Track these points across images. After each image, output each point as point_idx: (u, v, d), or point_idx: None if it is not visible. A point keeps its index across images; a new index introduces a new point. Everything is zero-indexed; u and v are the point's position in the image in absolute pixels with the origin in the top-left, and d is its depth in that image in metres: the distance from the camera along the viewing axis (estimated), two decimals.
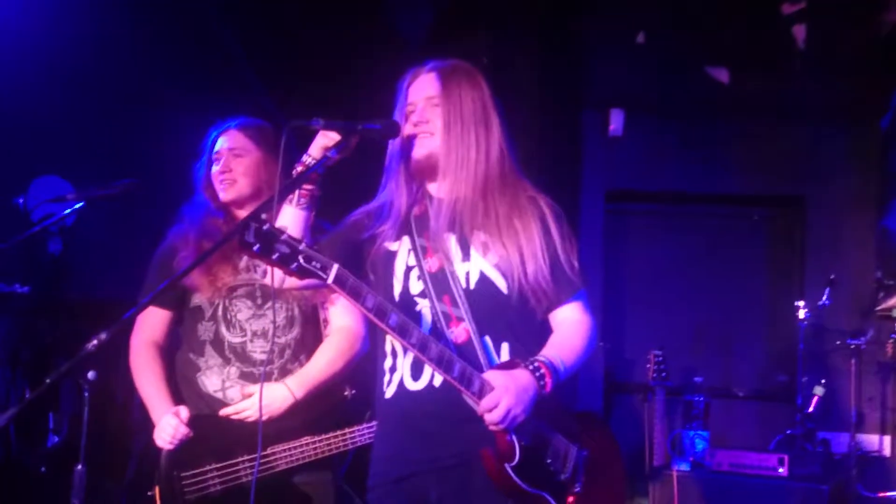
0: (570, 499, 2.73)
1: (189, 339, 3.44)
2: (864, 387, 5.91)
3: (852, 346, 5.57)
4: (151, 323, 3.47)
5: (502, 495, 2.61)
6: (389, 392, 2.75)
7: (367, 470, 2.82)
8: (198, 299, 3.42)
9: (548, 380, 2.61)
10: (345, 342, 3.41)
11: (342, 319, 3.44)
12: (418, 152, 2.74)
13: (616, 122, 6.32)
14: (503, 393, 2.51)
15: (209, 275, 3.34)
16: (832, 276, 5.72)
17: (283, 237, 2.36)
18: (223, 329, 3.38)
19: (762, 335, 6.46)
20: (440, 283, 2.70)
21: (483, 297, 2.69)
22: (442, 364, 2.53)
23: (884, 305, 5.94)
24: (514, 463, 2.58)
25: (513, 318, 2.72)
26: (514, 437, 2.59)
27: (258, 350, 3.36)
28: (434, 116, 2.73)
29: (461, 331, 2.66)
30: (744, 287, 6.49)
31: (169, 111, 5.11)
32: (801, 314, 5.61)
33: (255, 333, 3.37)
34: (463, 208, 2.71)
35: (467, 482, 2.63)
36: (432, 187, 2.80)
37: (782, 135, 6.35)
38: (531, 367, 2.61)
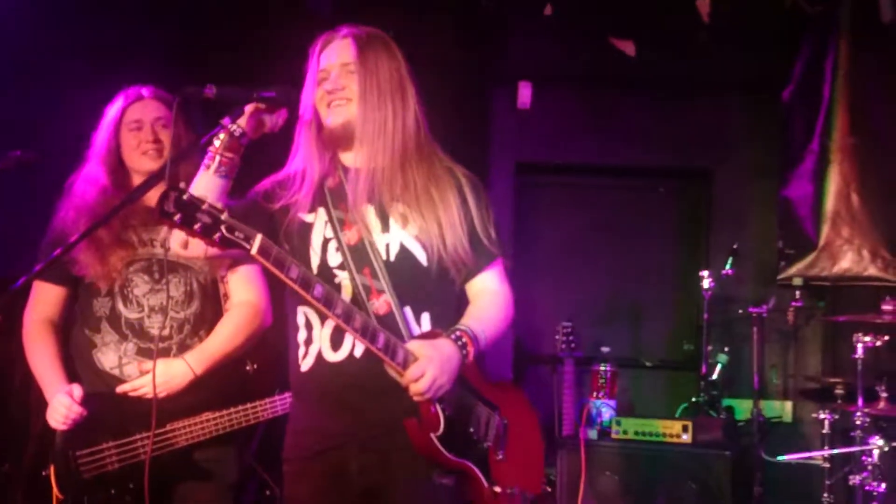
0: (494, 466, 2.74)
1: (85, 316, 3.34)
2: (767, 354, 6.05)
3: (755, 315, 5.66)
4: (45, 300, 3.37)
5: (425, 465, 2.61)
6: (306, 365, 2.70)
7: (280, 444, 2.78)
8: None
9: (470, 349, 2.63)
10: (245, 316, 3.35)
11: (243, 293, 3.38)
12: (334, 120, 2.68)
13: (524, 94, 6.33)
14: (427, 363, 2.50)
15: (101, 257, 3.25)
16: (734, 246, 5.81)
17: (204, 206, 2.28)
18: (120, 305, 3.30)
19: (669, 306, 6.53)
20: (360, 255, 2.67)
21: (403, 269, 2.67)
22: (367, 334, 2.51)
23: (785, 274, 6.08)
24: (439, 433, 2.58)
25: (432, 288, 2.71)
26: (438, 407, 2.58)
27: (156, 326, 3.28)
28: (350, 83, 2.67)
29: (382, 303, 2.64)
30: (652, 258, 6.54)
31: (68, 82, 4.97)
32: (706, 284, 5.67)
33: (152, 309, 3.29)
34: (381, 179, 2.68)
35: (389, 453, 2.62)
36: (346, 157, 2.75)
37: (688, 107, 6.40)
38: (453, 337, 2.61)
